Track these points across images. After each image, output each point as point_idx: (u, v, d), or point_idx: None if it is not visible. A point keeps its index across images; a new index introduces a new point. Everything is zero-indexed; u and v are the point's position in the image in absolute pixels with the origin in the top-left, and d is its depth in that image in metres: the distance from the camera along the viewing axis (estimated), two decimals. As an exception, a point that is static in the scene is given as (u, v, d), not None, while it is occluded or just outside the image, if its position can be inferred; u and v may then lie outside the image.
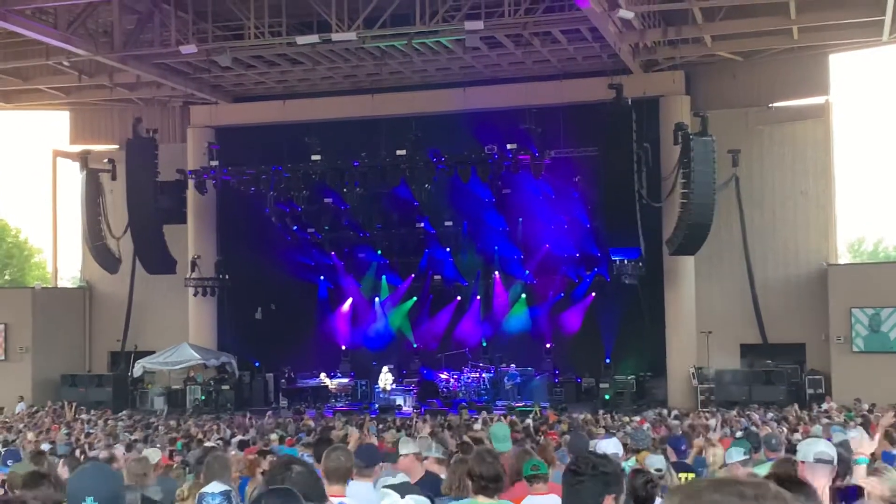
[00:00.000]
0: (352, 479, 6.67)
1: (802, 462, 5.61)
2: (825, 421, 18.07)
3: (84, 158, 34.12)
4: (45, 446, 14.96)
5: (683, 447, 10.05)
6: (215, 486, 5.17)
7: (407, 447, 8.36)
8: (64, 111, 38.02)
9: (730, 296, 31.35)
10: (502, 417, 22.23)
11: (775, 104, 31.74)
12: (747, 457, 8.62)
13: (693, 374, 30.25)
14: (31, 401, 32.38)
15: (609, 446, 8.64)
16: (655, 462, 8.58)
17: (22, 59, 30.21)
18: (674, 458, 10.05)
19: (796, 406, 24.33)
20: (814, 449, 5.60)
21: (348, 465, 6.37)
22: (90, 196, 33.24)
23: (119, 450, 8.87)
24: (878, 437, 8.73)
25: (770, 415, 22.02)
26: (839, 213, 32.60)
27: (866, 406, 23.76)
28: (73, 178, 36.19)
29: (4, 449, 9.83)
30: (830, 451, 5.60)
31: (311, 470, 5.54)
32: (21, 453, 9.17)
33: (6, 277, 53.01)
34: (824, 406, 25.49)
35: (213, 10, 27.19)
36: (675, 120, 29.17)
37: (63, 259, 41.42)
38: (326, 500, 5.52)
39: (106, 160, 33.96)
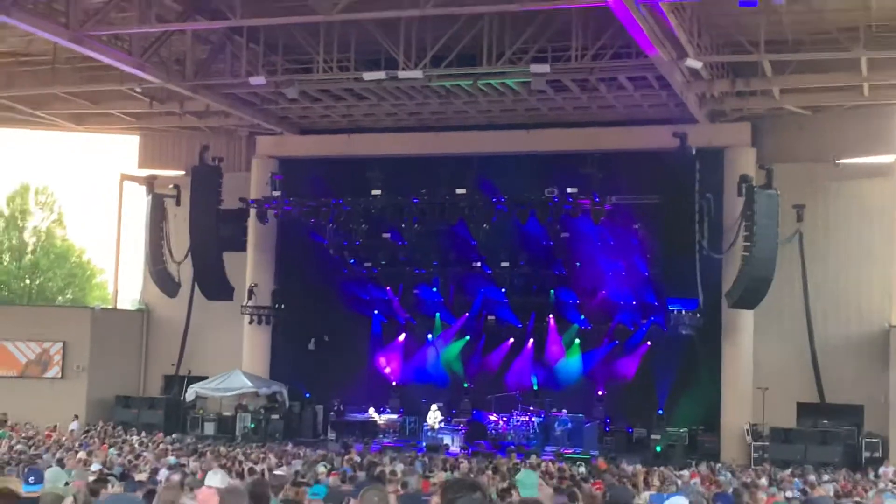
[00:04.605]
0: None
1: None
2: (880, 486, 17.63)
3: (150, 183, 34.65)
4: (95, 466, 15.09)
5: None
6: None
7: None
8: (133, 136, 38.69)
9: (788, 352, 30.81)
10: (551, 463, 21.98)
11: (842, 161, 31.28)
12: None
13: (747, 430, 29.70)
14: (84, 420, 32.74)
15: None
16: None
17: (95, 84, 30.79)
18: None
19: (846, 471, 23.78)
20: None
21: None
22: (154, 220, 33.68)
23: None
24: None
25: (826, 477, 21.50)
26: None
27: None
28: (138, 202, 36.81)
29: (27, 468, 9.90)
30: (882, 522, 5.40)
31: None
32: (43, 473, 9.24)
33: (68, 297, 53.83)
34: (881, 470, 24.89)
35: (283, 44, 27.56)
36: (739, 171, 28.90)
37: (124, 281, 41.96)
38: None
39: (171, 186, 34.44)
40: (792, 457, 27.77)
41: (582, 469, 20.51)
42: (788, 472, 22.95)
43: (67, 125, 36.10)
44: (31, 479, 8.67)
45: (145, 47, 26.56)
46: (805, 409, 30.63)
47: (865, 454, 28.48)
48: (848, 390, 30.10)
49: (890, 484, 19.97)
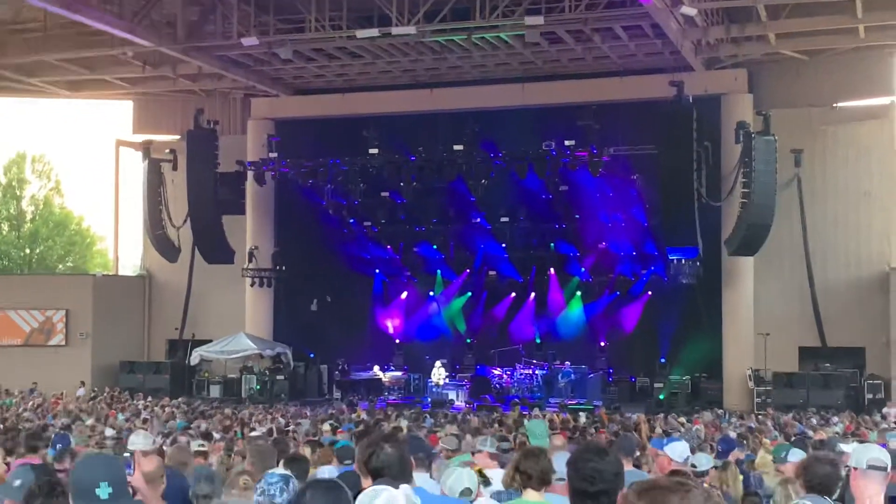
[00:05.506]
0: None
1: (855, 468, 5.47)
2: (883, 426, 17.77)
3: (146, 148, 34.54)
4: (109, 431, 15.22)
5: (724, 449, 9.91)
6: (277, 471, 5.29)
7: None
8: (128, 101, 38.58)
9: (789, 297, 30.93)
10: (555, 415, 22.14)
11: (839, 104, 31.21)
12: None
13: (749, 376, 29.87)
14: (90, 386, 32.91)
15: (676, 449, 8.48)
16: (700, 460, 8.49)
17: (88, 49, 30.63)
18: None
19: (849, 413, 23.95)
20: (867, 455, 5.45)
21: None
22: (152, 185, 33.62)
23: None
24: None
25: (835, 419, 21.64)
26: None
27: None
28: (135, 168, 36.78)
29: (55, 434, 10.05)
30: (884, 458, 5.44)
31: (402, 453, 5.64)
32: (71, 438, 9.35)
33: (69, 264, 53.93)
34: (885, 410, 25.07)
35: (274, 3, 27.40)
36: (736, 118, 28.79)
37: (124, 247, 42.08)
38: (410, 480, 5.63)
39: (168, 150, 34.32)
40: (795, 401, 27.97)
41: (583, 419, 20.65)
42: (791, 415, 23.12)
43: (61, 92, 35.99)
44: (59, 446, 8.78)
45: (136, 10, 26.44)
46: (807, 353, 30.78)
47: (868, 396, 28.63)
48: (849, 333, 30.24)
49: (894, 424, 20.11)
